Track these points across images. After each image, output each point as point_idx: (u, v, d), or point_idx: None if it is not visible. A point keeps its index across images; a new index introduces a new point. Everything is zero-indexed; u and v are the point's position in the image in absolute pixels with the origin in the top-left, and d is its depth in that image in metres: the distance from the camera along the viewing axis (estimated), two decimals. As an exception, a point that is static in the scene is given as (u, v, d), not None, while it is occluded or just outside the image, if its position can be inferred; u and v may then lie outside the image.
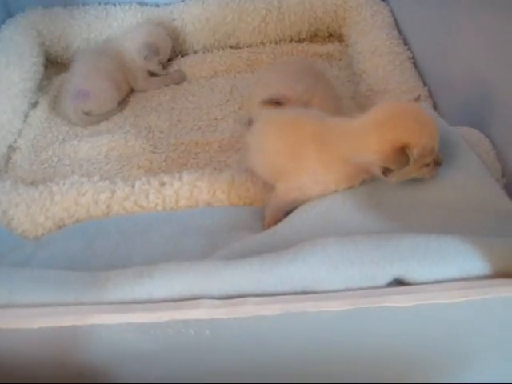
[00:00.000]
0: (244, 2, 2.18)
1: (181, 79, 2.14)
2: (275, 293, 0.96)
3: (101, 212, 1.44)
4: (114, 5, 2.25)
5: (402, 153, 1.08)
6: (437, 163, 1.15)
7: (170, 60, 2.21)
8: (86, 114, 1.96)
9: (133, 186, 1.46)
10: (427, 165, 1.14)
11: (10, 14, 2.27)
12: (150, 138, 1.87)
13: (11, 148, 1.91)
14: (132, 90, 2.12)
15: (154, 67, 2.12)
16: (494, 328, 0.98)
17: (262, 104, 1.56)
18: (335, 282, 0.96)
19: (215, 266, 0.98)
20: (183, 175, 1.46)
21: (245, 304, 0.93)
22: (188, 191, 1.43)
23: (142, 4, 2.25)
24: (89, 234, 1.38)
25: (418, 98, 1.21)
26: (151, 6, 2.26)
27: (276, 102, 1.54)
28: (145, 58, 2.08)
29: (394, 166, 1.10)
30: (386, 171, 1.12)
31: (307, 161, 1.22)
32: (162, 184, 1.46)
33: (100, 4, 2.27)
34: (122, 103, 2.05)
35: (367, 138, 1.13)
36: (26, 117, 2.01)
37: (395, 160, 1.08)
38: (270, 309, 0.92)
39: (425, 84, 1.76)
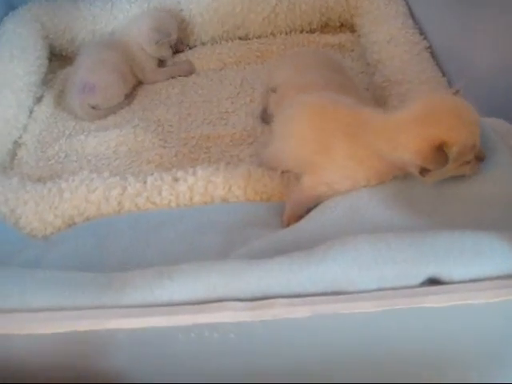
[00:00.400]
0: (253, -10, 2.11)
1: (189, 71, 2.08)
2: (305, 294, 0.91)
3: (112, 209, 1.39)
4: (120, -6, 2.19)
5: (440, 152, 1.01)
6: (479, 159, 1.09)
7: (178, 52, 2.15)
8: (93, 107, 1.91)
9: (145, 182, 1.41)
10: (468, 162, 1.08)
11: (12, 7, 2.21)
12: (159, 132, 1.81)
13: (16, 144, 1.86)
14: (139, 83, 2.06)
15: (166, 52, 2.07)
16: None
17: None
18: (367, 282, 0.91)
19: (241, 266, 0.93)
20: (197, 170, 1.41)
21: (273, 306, 0.88)
22: (202, 187, 1.38)
23: (148, -6, 2.18)
24: (100, 232, 1.33)
25: (457, 91, 1.12)
26: (157, -5, 2.19)
27: None
28: (156, 43, 2.02)
29: (432, 165, 1.03)
30: (424, 171, 1.06)
31: (338, 154, 1.17)
32: (176, 180, 1.41)
33: (105, -6, 2.20)
34: (130, 96, 1.99)
35: (404, 135, 1.07)
36: (31, 112, 1.96)
37: (433, 159, 1.02)
38: (300, 311, 0.88)
39: (443, 74, 1.70)
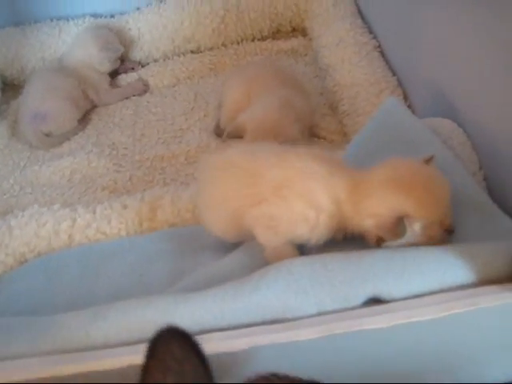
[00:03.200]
0: (200, 4, 2.09)
1: (143, 89, 2.05)
2: (241, 325, 0.87)
3: (63, 243, 1.36)
4: (67, 20, 2.17)
5: (400, 224, 0.93)
6: (448, 232, 0.98)
7: (130, 71, 2.11)
8: (46, 135, 1.88)
9: (94, 212, 1.38)
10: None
11: (-41, 38, 2.17)
12: (113, 157, 1.78)
13: (-31, 182, 1.81)
14: (93, 107, 2.02)
15: (116, 65, 2.07)
16: (485, 340, 0.91)
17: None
18: (305, 307, 0.88)
19: (174, 301, 0.90)
20: (145, 195, 1.39)
21: (209, 341, 0.85)
22: (151, 212, 1.35)
23: (95, 16, 2.16)
24: (50, 270, 1.30)
25: (430, 159, 1.02)
26: (105, 17, 2.17)
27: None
28: (109, 61, 2.01)
29: (388, 236, 0.94)
30: (380, 240, 0.96)
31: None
32: (124, 207, 1.38)
33: (52, 20, 2.18)
34: (83, 121, 1.96)
35: (369, 201, 0.97)
36: (-17, 147, 1.92)
37: (390, 230, 0.93)
38: (237, 343, 0.84)
39: (393, 74, 1.67)
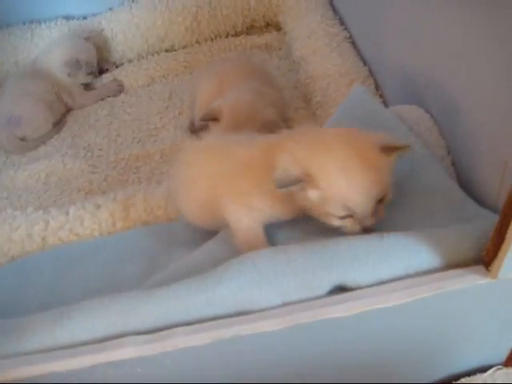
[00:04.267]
0: (172, 2, 2.08)
1: (118, 90, 2.04)
2: (206, 318, 0.87)
3: (36, 246, 1.36)
4: (39, 22, 2.15)
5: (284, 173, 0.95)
6: (363, 228, 0.97)
7: (105, 71, 2.10)
8: (22, 139, 1.86)
9: (67, 214, 1.37)
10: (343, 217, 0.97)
11: None
12: (88, 158, 1.77)
13: None
14: (68, 110, 2.01)
15: (84, 79, 2.02)
16: (454, 324, 0.90)
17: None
18: (270, 298, 0.87)
19: (138, 297, 0.89)
20: (118, 195, 1.38)
21: (173, 336, 0.85)
22: (124, 211, 1.34)
23: (67, 18, 2.14)
24: (23, 273, 1.30)
25: (389, 148, 0.98)
26: (78, 18, 2.15)
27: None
28: (69, 76, 1.98)
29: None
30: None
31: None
32: (97, 207, 1.37)
33: (24, 23, 2.16)
34: (59, 124, 1.95)
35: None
36: (-40, 152, 1.91)
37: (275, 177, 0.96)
38: (200, 338, 0.84)
39: (365, 64, 1.67)
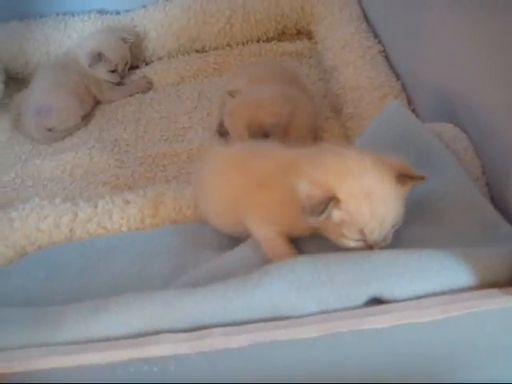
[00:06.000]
0: (207, 3, 2.10)
1: (147, 87, 2.05)
2: (243, 321, 0.88)
3: (64, 237, 1.36)
4: (73, 15, 2.17)
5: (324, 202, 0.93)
6: (367, 246, 0.97)
7: (134, 68, 2.11)
8: (49, 130, 1.88)
9: (95, 207, 1.38)
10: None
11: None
12: (115, 153, 1.78)
13: (-30, 172, 1.81)
14: (97, 103, 2.02)
15: (104, 75, 2.02)
16: (483, 343, 0.91)
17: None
18: (308, 305, 0.88)
19: (175, 295, 0.90)
20: (147, 192, 1.39)
21: (210, 336, 0.85)
22: (153, 209, 1.35)
23: (101, 12, 2.17)
24: (50, 264, 1.29)
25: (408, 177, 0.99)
26: (111, 13, 2.17)
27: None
28: (89, 66, 1.99)
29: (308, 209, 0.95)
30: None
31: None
32: (126, 202, 1.38)
33: (58, 15, 2.18)
34: (87, 117, 1.96)
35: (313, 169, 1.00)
36: (-13, 140, 1.92)
37: (314, 204, 0.94)
38: (237, 340, 0.84)
39: (398, 78, 1.68)
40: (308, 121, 1.55)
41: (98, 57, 1.97)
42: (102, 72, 2.01)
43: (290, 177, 1.00)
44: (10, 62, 2.14)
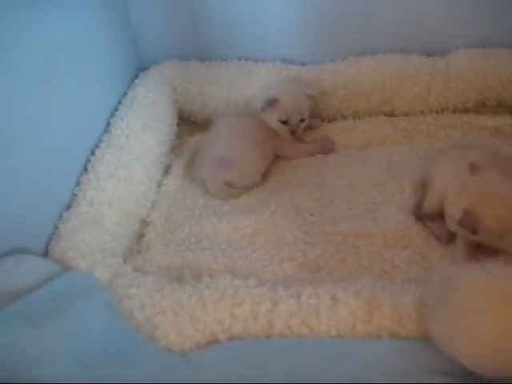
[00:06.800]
0: (404, 63, 1.93)
1: (329, 148, 1.92)
2: None
3: (261, 328, 1.24)
4: (256, 61, 2.05)
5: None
6: None
7: (315, 128, 1.98)
8: (227, 184, 1.75)
9: (298, 297, 1.23)
10: None
11: (143, 67, 2.10)
12: (300, 223, 1.64)
13: (144, 223, 1.72)
14: (275, 159, 1.89)
15: (274, 123, 1.86)
16: None
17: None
18: None
19: None
20: (360, 290, 1.24)
21: None
22: (367, 314, 1.20)
23: (286, 62, 2.04)
24: (248, 359, 1.18)
25: None
26: (297, 64, 2.04)
27: None
28: (261, 109, 1.85)
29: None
30: None
31: None
32: (334, 299, 1.23)
33: (240, 60, 2.06)
34: (265, 174, 1.83)
35: None
36: (159, 185, 1.83)
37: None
38: None
39: None
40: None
41: (273, 102, 1.83)
42: (272, 119, 1.86)
43: None
44: (186, 104, 2.06)
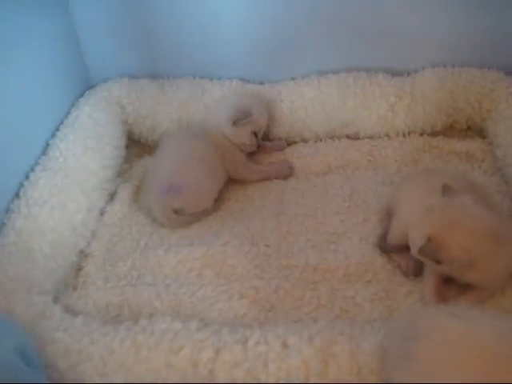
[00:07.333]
0: (369, 85, 1.80)
1: (287, 173, 1.78)
2: None
3: (201, 379, 1.11)
4: (211, 79, 1.91)
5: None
6: None
7: (276, 151, 1.84)
8: (176, 212, 1.60)
9: (245, 343, 1.08)
10: None
11: (89, 84, 1.94)
12: (254, 255, 1.49)
13: (82, 254, 1.56)
14: (228, 183, 1.74)
15: (248, 139, 1.73)
16: None
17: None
18: None
19: None
20: (314, 335, 1.10)
21: None
22: (321, 364, 1.05)
23: (243, 80, 1.90)
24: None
25: None
26: (254, 83, 1.90)
27: None
28: (234, 124, 1.71)
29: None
30: None
31: None
32: (285, 346, 1.09)
33: (195, 78, 1.92)
34: (218, 200, 1.68)
35: None
36: (101, 214, 1.66)
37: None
38: None
39: None
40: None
41: (248, 114, 1.70)
42: (244, 133, 1.73)
43: None
44: (135, 125, 1.90)
